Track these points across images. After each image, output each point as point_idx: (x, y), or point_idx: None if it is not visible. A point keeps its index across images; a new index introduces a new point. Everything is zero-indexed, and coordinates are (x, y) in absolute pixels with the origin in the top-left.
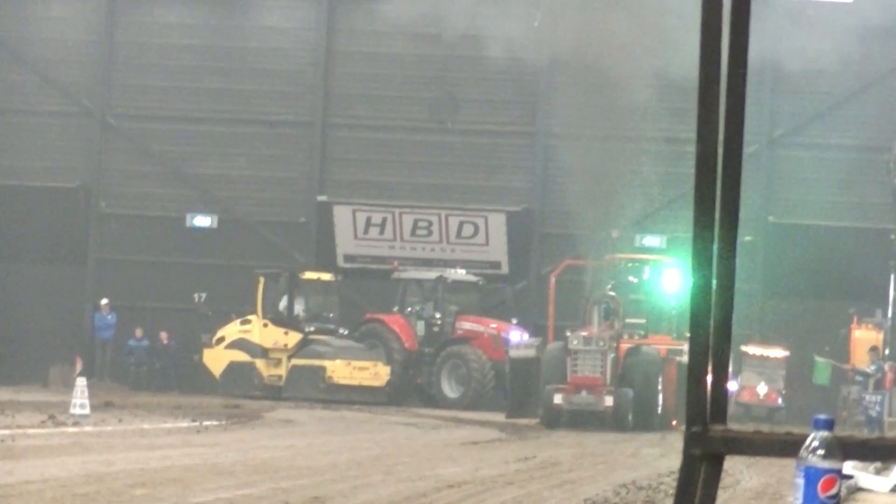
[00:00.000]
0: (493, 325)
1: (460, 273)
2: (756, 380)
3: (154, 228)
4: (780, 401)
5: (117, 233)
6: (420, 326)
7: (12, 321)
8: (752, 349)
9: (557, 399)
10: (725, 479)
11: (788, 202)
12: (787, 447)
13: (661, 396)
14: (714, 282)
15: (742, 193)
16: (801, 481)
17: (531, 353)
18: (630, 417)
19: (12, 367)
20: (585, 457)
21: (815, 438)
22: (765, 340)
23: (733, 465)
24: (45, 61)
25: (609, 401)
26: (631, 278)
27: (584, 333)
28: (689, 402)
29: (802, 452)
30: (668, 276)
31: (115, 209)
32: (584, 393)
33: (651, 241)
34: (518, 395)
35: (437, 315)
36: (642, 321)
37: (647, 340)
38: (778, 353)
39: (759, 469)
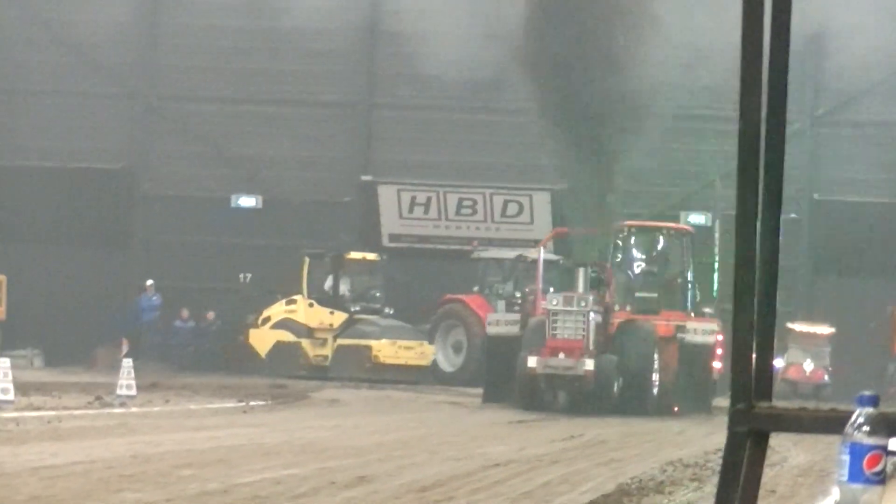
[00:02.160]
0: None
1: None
2: (802, 357)
3: (198, 209)
4: (826, 377)
5: (162, 214)
6: (500, 306)
7: (58, 303)
8: (798, 326)
9: (532, 362)
10: (772, 457)
11: (834, 179)
12: (833, 424)
13: (656, 377)
14: (758, 259)
15: (786, 171)
16: (846, 458)
17: (513, 329)
18: (616, 388)
19: (59, 348)
20: (632, 435)
21: (860, 415)
22: (811, 317)
23: (780, 443)
24: (89, 43)
25: (589, 364)
26: (638, 252)
27: (565, 293)
28: (734, 379)
29: (848, 429)
30: (680, 246)
31: (159, 190)
32: (561, 356)
33: (696, 218)
34: (496, 376)
35: (518, 294)
36: (654, 296)
37: (657, 317)
38: (824, 329)
39: (806, 446)
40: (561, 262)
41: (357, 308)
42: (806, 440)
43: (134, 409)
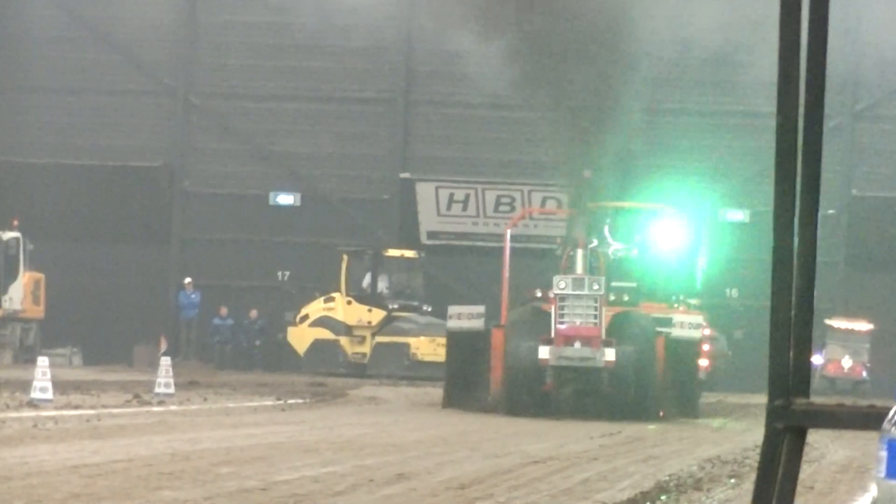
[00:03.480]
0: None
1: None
2: (841, 353)
3: (237, 207)
4: (864, 374)
5: (201, 211)
6: None
7: (97, 301)
8: (836, 322)
9: (543, 353)
10: (810, 453)
11: (872, 175)
12: (871, 420)
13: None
14: (796, 255)
15: (824, 167)
16: (884, 454)
17: (476, 324)
18: (633, 388)
19: (98, 347)
20: (670, 431)
21: None
22: (849, 313)
23: (819, 439)
24: (129, 42)
25: (610, 354)
26: (607, 238)
27: (571, 276)
28: (772, 375)
29: (886, 425)
30: (664, 230)
31: (198, 188)
32: (577, 345)
33: (734, 215)
34: (456, 377)
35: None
36: (631, 285)
37: (635, 309)
38: (863, 326)
39: (845, 442)
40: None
41: (395, 305)
42: (844, 436)
43: (173, 407)
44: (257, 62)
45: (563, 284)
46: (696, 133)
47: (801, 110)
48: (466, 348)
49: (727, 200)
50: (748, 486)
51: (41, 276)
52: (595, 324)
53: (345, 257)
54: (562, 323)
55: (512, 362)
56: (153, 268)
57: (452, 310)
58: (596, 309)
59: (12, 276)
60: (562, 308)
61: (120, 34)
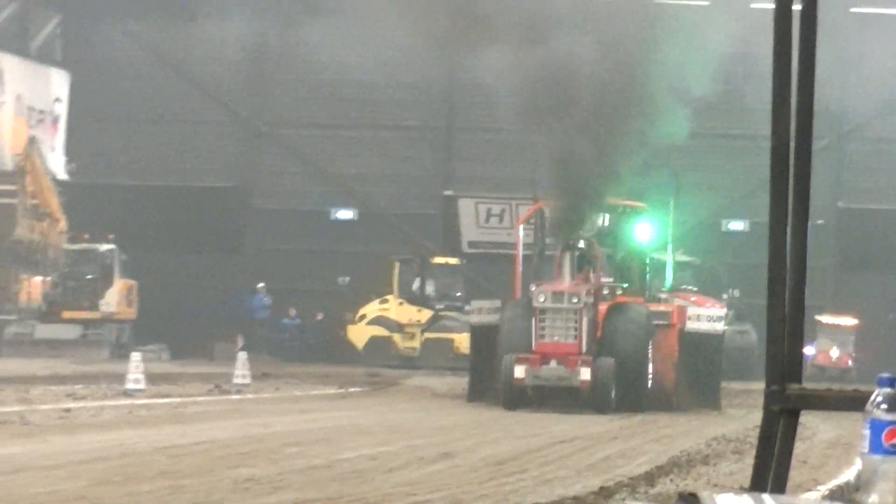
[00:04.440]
0: (693, 299)
1: (678, 254)
2: (829, 345)
3: (302, 221)
4: (850, 363)
5: (270, 226)
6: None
7: (182, 304)
8: (825, 318)
9: (519, 372)
10: (803, 432)
11: (856, 189)
12: (856, 403)
13: (650, 367)
14: (789, 259)
15: (813, 182)
16: (867, 432)
17: (492, 318)
18: (612, 395)
19: (183, 343)
20: (680, 415)
21: (879, 394)
22: (837, 310)
23: (810, 420)
24: (206, 77)
25: (585, 374)
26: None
27: (554, 287)
28: (769, 363)
29: (868, 407)
30: (639, 227)
31: (267, 205)
32: (553, 364)
33: (735, 225)
34: (479, 371)
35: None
36: (609, 280)
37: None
38: (849, 321)
39: (834, 423)
40: (693, 261)
41: (441, 306)
42: (833, 417)
43: (248, 396)
44: (318, 94)
45: (542, 298)
46: (702, 153)
47: (793, 133)
48: (487, 342)
49: (730, 212)
50: (749, 460)
51: (133, 282)
52: (574, 339)
53: (396, 264)
54: (542, 337)
55: (503, 377)
56: (230, 275)
57: (474, 304)
58: (576, 322)
59: (108, 282)
60: (542, 322)
61: (197, 70)
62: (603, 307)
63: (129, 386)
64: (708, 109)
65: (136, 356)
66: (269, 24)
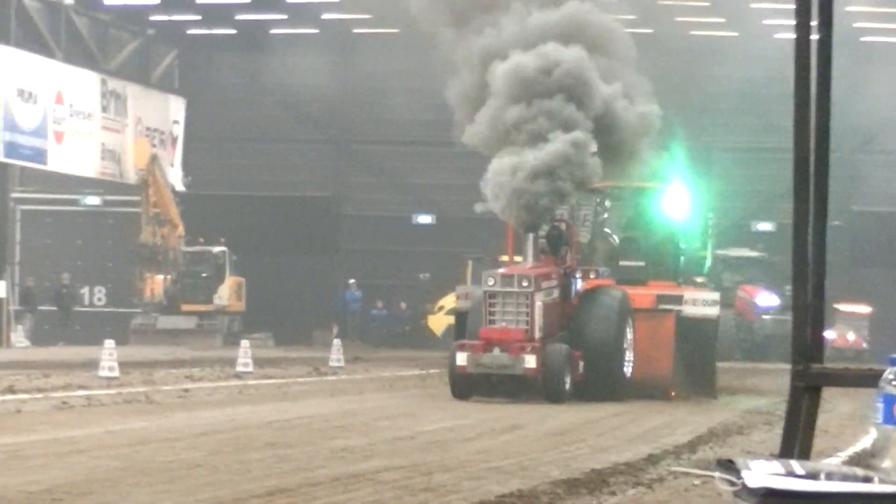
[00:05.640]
0: (747, 290)
1: (743, 250)
2: (846, 330)
3: (387, 226)
4: (864, 345)
5: (360, 230)
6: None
7: (284, 298)
8: (843, 306)
9: (461, 360)
10: (824, 406)
11: (867, 195)
12: (870, 379)
13: (630, 355)
14: (810, 255)
15: (830, 188)
16: (881, 405)
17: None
18: (567, 384)
19: (285, 332)
20: (718, 390)
21: (891, 372)
22: (852, 299)
23: (830, 395)
24: (301, 102)
25: (531, 361)
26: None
27: (503, 270)
28: (794, 346)
29: (881, 383)
30: (670, 201)
31: (357, 212)
32: (496, 351)
33: (763, 226)
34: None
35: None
36: (640, 264)
37: (645, 288)
38: (863, 308)
39: (850, 398)
40: (759, 257)
41: None
42: (850, 392)
43: (342, 377)
44: (400, 116)
45: (491, 281)
46: (735, 162)
47: (812, 146)
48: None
49: (759, 214)
50: (778, 431)
51: (242, 279)
52: (524, 325)
53: (469, 262)
54: (491, 322)
55: (449, 365)
56: (325, 272)
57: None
58: (527, 307)
59: (221, 280)
60: (491, 307)
61: (295, 96)
62: (583, 287)
63: (240, 369)
64: (738, 125)
65: (245, 343)
66: (356, 56)
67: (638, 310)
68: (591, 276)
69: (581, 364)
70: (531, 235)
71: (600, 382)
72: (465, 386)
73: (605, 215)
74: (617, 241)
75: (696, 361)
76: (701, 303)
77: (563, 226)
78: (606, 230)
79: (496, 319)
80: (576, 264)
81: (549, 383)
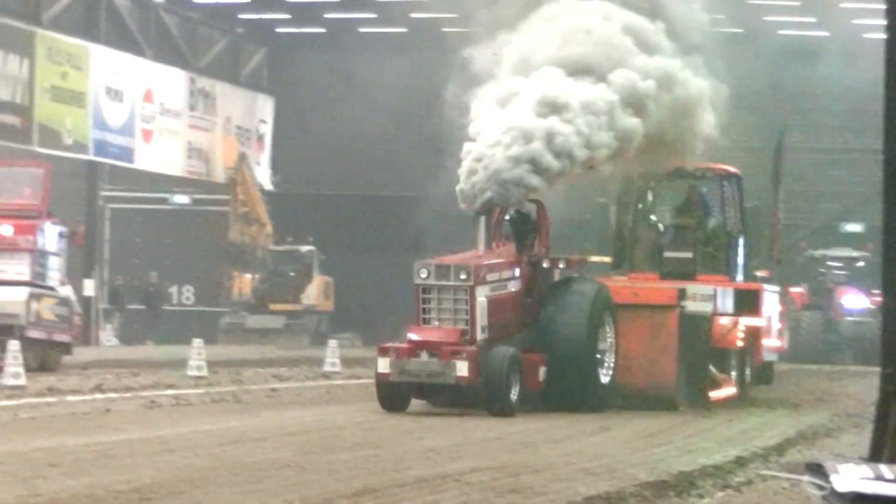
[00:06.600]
0: (838, 291)
1: (846, 250)
2: None
3: (473, 224)
4: None
5: (445, 228)
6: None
7: (372, 297)
8: None
9: (383, 366)
10: None
11: None
12: None
13: (611, 358)
14: None
15: None
16: None
17: None
18: (514, 394)
19: (372, 331)
20: (807, 392)
21: None
22: None
23: None
24: (390, 100)
25: (462, 369)
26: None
27: (438, 260)
28: (884, 349)
29: None
30: (726, 188)
31: (444, 210)
32: (423, 356)
33: (853, 227)
34: None
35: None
36: (688, 255)
37: (695, 282)
38: None
39: None
40: (854, 258)
41: None
42: None
43: None
44: None
45: (424, 273)
46: (826, 165)
47: None
48: None
49: (849, 216)
50: (867, 433)
51: (331, 279)
52: (463, 324)
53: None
54: (425, 322)
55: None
56: (412, 271)
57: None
58: (466, 303)
59: (309, 279)
60: (424, 303)
61: (382, 95)
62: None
63: (327, 368)
64: (828, 125)
65: (332, 343)
66: (445, 55)
67: (638, 306)
68: (561, 265)
69: (542, 369)
70: (482, 218)
71: (567, 389)
72: (396, 396)
73: (650, 199)
74: (662, 228)
75: (688, 365)
76: (699, 298)
77: (533, 207)
78: (652, 217)
79: (431, 318)
80: (546, 252)
81: (488, 393)
